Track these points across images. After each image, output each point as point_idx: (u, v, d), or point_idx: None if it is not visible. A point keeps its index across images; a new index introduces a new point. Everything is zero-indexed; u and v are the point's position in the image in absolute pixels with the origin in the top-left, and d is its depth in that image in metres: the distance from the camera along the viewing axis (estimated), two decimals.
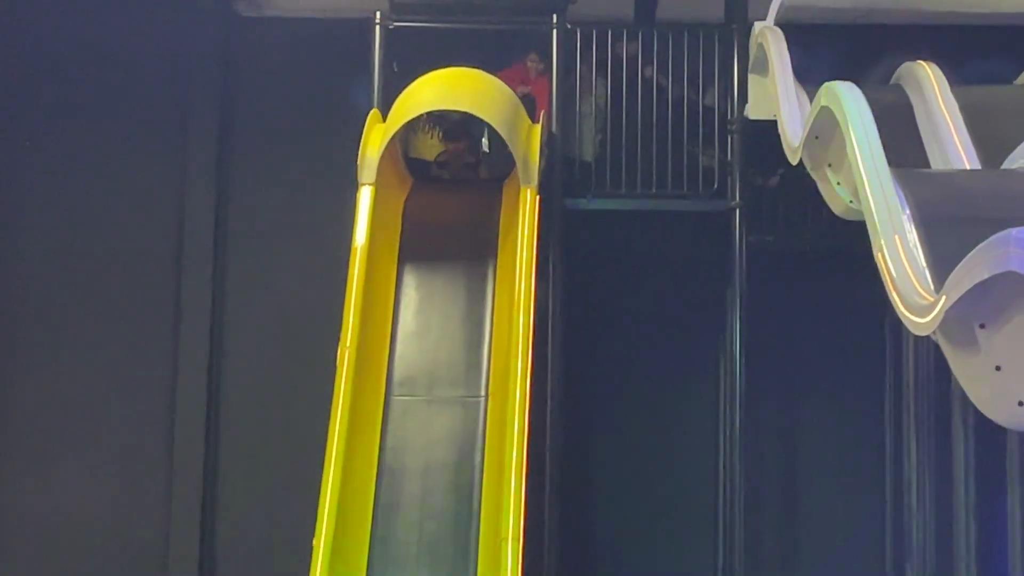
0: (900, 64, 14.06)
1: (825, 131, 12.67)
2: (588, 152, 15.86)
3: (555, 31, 15.54)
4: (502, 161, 15.27)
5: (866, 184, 10.92)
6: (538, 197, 14.66)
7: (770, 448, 16.53)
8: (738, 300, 15.46)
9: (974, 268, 7.90)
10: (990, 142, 12.06)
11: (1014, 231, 7.25)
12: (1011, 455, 11.16)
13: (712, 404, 16.06)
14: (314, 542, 13.04)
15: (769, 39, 14.76)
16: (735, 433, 15.35)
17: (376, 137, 14.71)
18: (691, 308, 16.52)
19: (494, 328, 14.64)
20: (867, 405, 15.57)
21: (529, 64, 15.97)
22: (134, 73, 17.11)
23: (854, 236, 11.97)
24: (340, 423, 13.50)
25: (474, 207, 15.29)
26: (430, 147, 15.53)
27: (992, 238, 7.53)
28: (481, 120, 15.00)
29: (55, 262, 17.11)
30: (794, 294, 16.18)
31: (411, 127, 15.07)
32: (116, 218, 17.11)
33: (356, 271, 14.28)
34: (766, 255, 15.56)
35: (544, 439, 14.86)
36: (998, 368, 8.40)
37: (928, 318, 9.15)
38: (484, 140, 15.51)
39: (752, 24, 15.34)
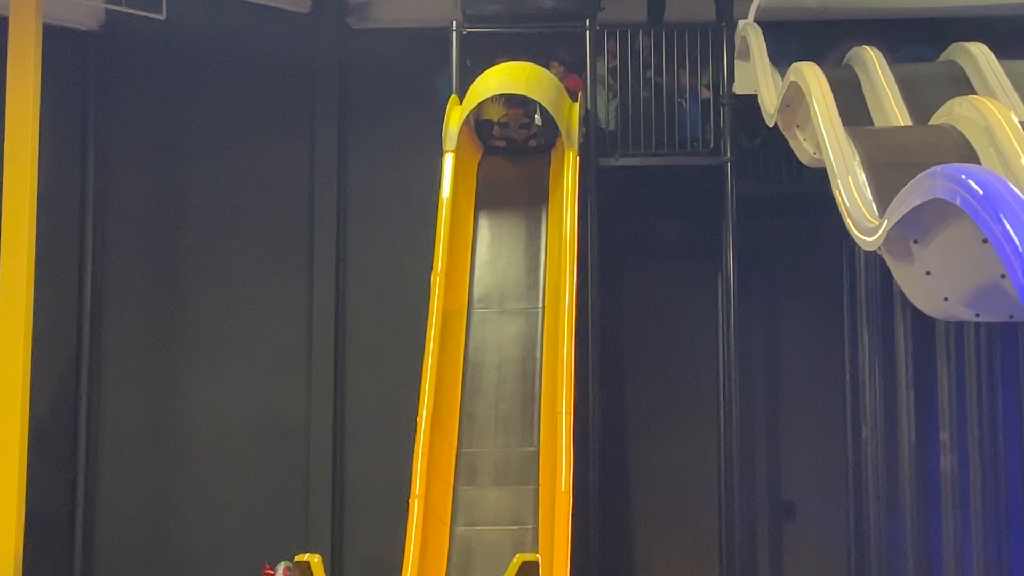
0: (850, 49, 14.07)
1: (794, 100, 12.79)
2: (612, 123, 16.02)
3: (588, 32, 15.79)
4: (550, 132, 15.49)
5: (825, 139, 11.05)
6: (578, 158, 14.87)
7: (757, 346, 16.44)
8: (731, 234, 15.45)
9: (909, 197, 8.03)
10: (918, 106, 12.06)
11: (938, 168, 7.32)
12: (939, 338, 11.21)
13: (712, 312, 15.99)
14: (418, 419, 13.32)
15: (750, 33, 14.91)
16: (730, 334, 15.35)
17: (455, 116, 14.97)
18: (694, 240, 16.52)
19: (547, 257, 14.81)
20: (831, 307, 15.39)
21: (552, 70, 16.05)
22: (272, 77, 17.14)
23: (818, 180, 12.13)
24: (435, 329, 13.72)
25: (530, 166, 15.50)
26: (496, 111, 15.62)
27: (922, 174, 7.62)
28: (534, 102, 15.28)
29: (221, 219, 17.16)
30: (774, 227, 16.16)
31: (483, 105, 15.33)
32: (263, 187, 17.08)
33: (443, 217, 14.51)
34: (752, 198, 15.62)
35: (587, 339, 15.00)
36: (928, 273, 8.55)
37: (874, 237, 9.31)
38: (536, 116, 15.57)
39: (737, 22, 15.53)
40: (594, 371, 15.39)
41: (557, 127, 14.95)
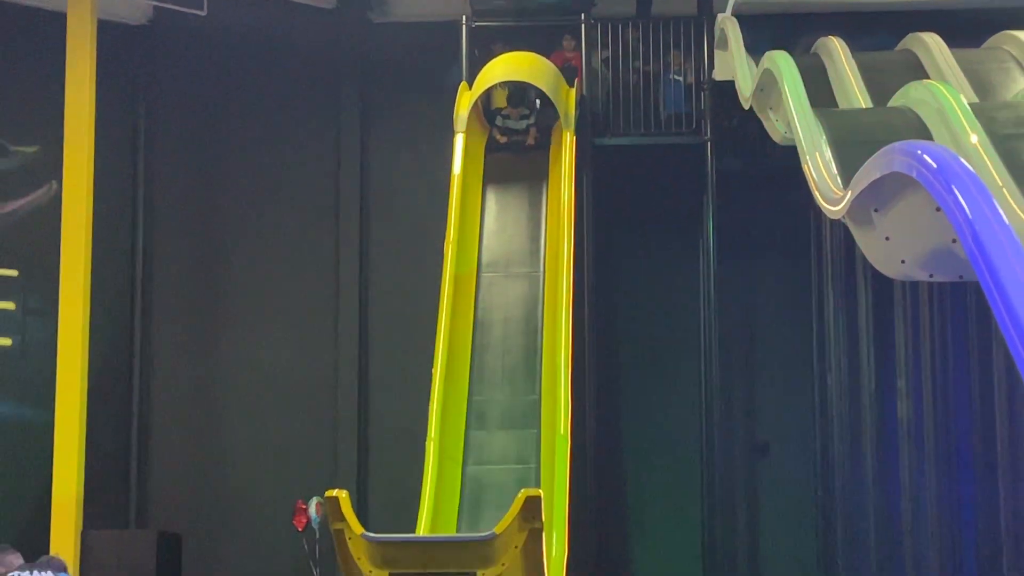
0: (817, 39, 14.06)
1: (767, 85, 12.75)
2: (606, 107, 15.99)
3: (583, 25, 15.75)
4: (550, 115, 15.43)
5: (795, 119, 11.01)
6: (574, 137, 14.86)
7: (735, 304, 16.25)
8: (711, 205, 15.45)
9: (870, 171, 8.00)
10: (878, 89, 12.04)
11: (896, 145, 7.31)
12: (897, 296, 11.26)
13: (695, 275, 15.88)
14: (433, 370, 13.35)
15: (728, 25, 14.80)
16: (711, 293, 15.38)
17: (465, 101, 14.94)
18: (679, 211, 16.32)
19: (547, 226, 14.81)
20: (800, 270, 15.42)
21: (564, 44, 16.03)
22: (301, 65, 17.06)
23: (789, 157, 12.10)
24: (448, 291, 13.73)
25: (532, 145, 15.50)
26: (502, 98, 15.45)
27: (881, 150, 7.59)
28: (535, 88, 15.21)
29: (257, 195, 17.08)
30: (749, 199, 16.01)
31: (490, 90, 15.24)
32: (294, 166, 16.98)
33: (454, 191, 14.51)
34: (729, 173, 15.62)
35: (583, 299, 15.00)
36: (887, 238, 8.52)
37: (839, 207, 9.28)
38: (536, 101, 15.41)
39: (716, 15, 15.44)
40: (590, 327, 15.40)
41: (556, 110, 14.93)
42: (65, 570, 7.24)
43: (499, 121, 15.33)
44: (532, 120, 15.35)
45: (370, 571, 9.03)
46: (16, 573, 7.07)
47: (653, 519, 16.20)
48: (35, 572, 7.11)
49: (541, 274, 14.44)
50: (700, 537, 15.13)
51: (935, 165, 6.46)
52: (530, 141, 15.36)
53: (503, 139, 15.36)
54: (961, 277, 8.73)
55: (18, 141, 15.47)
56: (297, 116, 17.24)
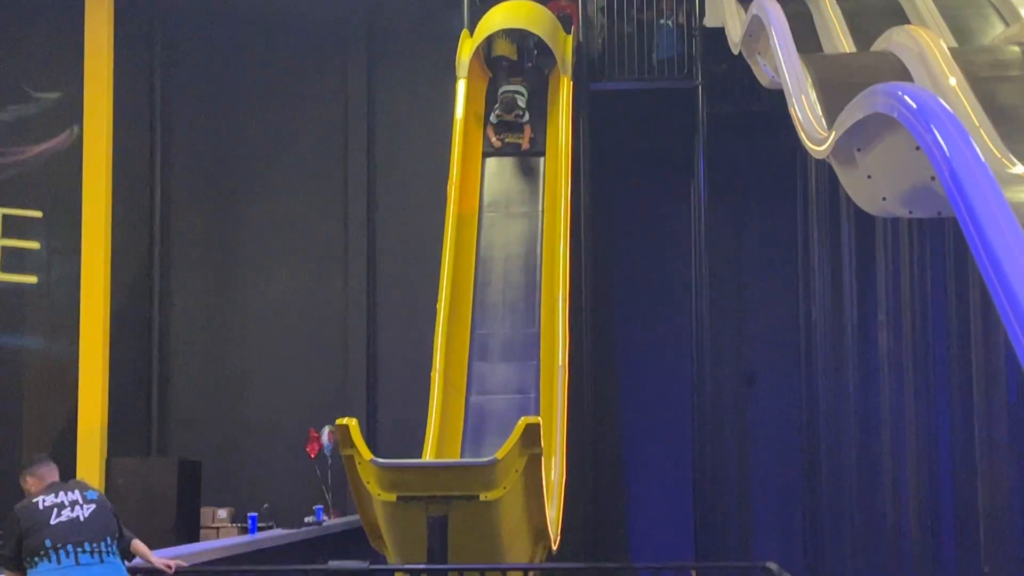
0: None
1: (756, 31, 12.63)
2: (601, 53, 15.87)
3: None
4: (548, 63, 15.33)
5: (782, 63, 10.90)
6: (571, 83, 14.80)
7: (724, 242, 16.25)
8: (701, 146, 15.35)
9: (853, 112, 7.98)
10: (861, 35, 11.94)
11: (879, 86, 7.25)
12: (878, 232, 11.23)
13: (686, 213, 15.85)
14: (437, 305, 13.37)
15: None
16: (701, 231, 15.33)
17: (466, 48, 14.85)
18: (670, 153, 16.23)
19: (546, 167, 14.80)
20: (786, 208, 15.38)
21: None
22: (310, 14, 16.97)
23: (776, 100, 12.05)
24: (451, 230, 13.73)
25: (531, 90, 15.39)
26: (503, 47, 15.29)
27: (864, 92, 7.56)
28: (534, 35, 15.08)
29: (271, 136, 17.06)
30: (738, 141, 15.97)
31: (490, 39, 15.13)
32: (305, 112, 17.01)
33: (456, 133, 14.46)
34: (719, 116, 15.50)
35: (579, 237, 15.00)
36: (869, 177, 8.52)
37: (824, 147, 9.26)
38: (523, 104, 14.65)
39: None
40: (586, 264, 15.41)
41: (554, 56, 14.85)
42: (92, 489, 7.28)
43: (493, 118, 14.70)
44: (525, 117, 14.75)
45: (379, 494, 9.07)
46: (41, 496, 7.11)
47: (646, 446, 16.29)
48: (62, 492, 7.15)
49: (540, 214, 14.42)
50: (691, 463, 15.22)
51: (915, 105, 6.43)
52: (525, 144, 14.76)
53: (498, 142, 14.70)
54: (939, 213, 8.73)
55: (40, 88, 15.42)
56: (307, 63, 17.17)
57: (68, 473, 12.80)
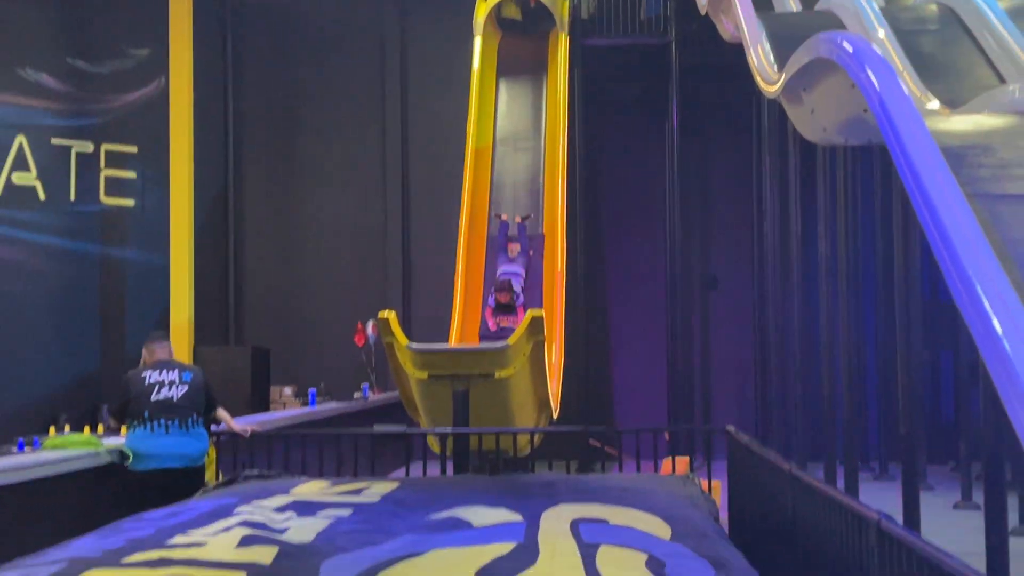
0: None
1: None
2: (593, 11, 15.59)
3: None
4: (549, 22, 15.08)
5: (742, 20, 10.78)
6: (567, 38, 14.59)
7: (693, 169, 16.14)
8: (674, 92, 15.16)
9: (800, 57, 7.90)
10: None
11: (821, 35, 7.21)
12: (819, 158, 11.12)
13: (661, 148, 15.57)
14: (460, 221, 13.34)
15: None
16: (674, 161, 15.15)
17: (482, 10, 14.60)
18: (649, 97, 16.02)
19: (547, 107, 14.65)
20: (744, 141, 15.30)
21: None
22: None
23: (735, 53, 11.88)
24: (470, 160, 13.66)
25: (535, 46, 15.18)
26: (511, 9, 14.98)
27: (808, 40, 7.54)
28: None
29: (322, 83, 16.84)
30: (705, 88, 15.84)
31: (500, 3, 14.84)
32: (349, 62, 16.82)
33: (474, 82, 14.30)
34: (690, 68, 15.34)
35: (575, 167, 14.87)
36: (812, 111, 8.46)
37: (775, 87, 9.17)
38: (518, 288, 11.85)
39: None
40: (580, 188, 15.30)
41: (554, 17, 14.61)
42: (189, 370, 7.29)
43: (492, 301, 11.80)
44: (520, 300, 11.69)
45: (413, 373, 9.10)
46: (149, 372, 7.12)
47: (629, 335, 16.32)
48: (165, 371, 7.17)
49: (542, 148, 14.30)
50: (665, 349, 15.26)
51: (851, 50, 6.36)
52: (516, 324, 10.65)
53: (494, 325, 11.62)
54: (870, 141, 8.66)
55: (133, 45, 15.25)
56: (353, 20, 16.89)
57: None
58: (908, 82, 8.10)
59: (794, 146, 12.35)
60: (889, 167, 10.63)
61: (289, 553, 4.15)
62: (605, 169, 16.52)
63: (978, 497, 9.91)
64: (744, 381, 15.73)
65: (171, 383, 7.06)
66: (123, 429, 7.91)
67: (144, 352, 7.33)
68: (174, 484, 6.71)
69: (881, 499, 7.59)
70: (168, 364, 7.20)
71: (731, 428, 7.61)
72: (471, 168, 13.64)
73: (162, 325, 14.37)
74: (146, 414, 6.90)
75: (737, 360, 15.94)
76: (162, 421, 6.91)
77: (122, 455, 6.93)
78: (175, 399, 7.01)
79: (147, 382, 7.01)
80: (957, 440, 11.94)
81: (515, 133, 14.63)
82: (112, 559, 4.02)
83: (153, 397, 6.95)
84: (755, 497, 6.30)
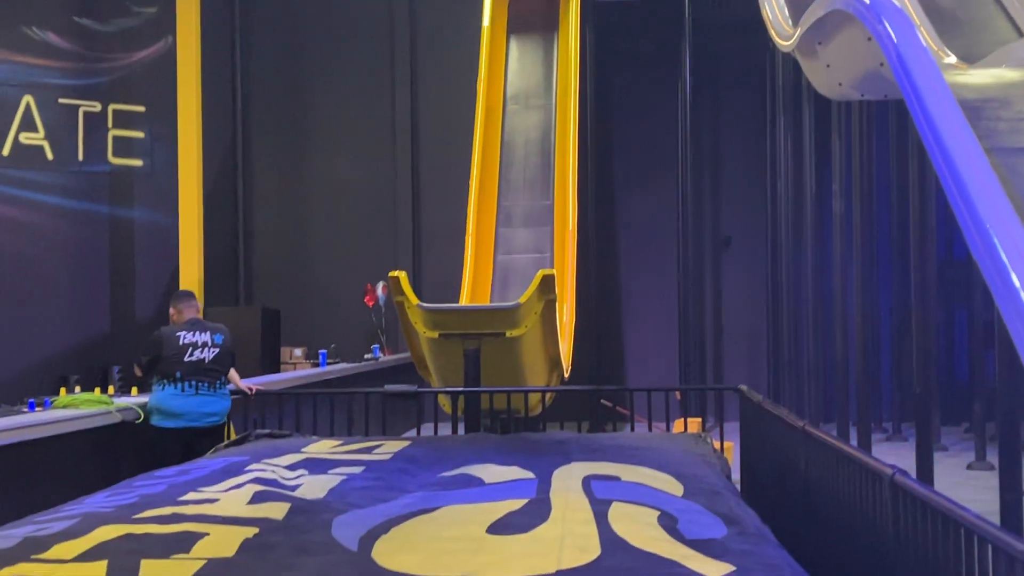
0: None
1: None
2: None
3: None
4: None
5: None
6: None
7: (706, 126, 16.15)
8: (687, 47, 15.05)
9: (815, 10, 7.81)
10: None
11: None
12: (834, 114, 11.06)
13: (674, 105, 15.53)
14: (470, 182, 13.30)
15: None
16: (687, 118, 15.03)
17: None
18: (662, 54, 15.95)
19: (558, 64, 14.54)
20: (758, 97, 15.22)
21: None
22: None
23: (749, 6, 11.78)
24: (481, 119, 13.61)
25: (546, 1, 15.04)
26: None
27: None
28: None
29: (331, 44, 16.74)
30: (719, 43, 15.75)
31: None
32: (358, 24, 16.76)
33: (484, 40, 14.22)
34: (703, 23, 15.21)
35: (586, 125, 14.83)
36: (828, 66, 8.37)
37: (790, 42, 9.09)
38: None
39: None
40: (592, 146, 15.28)
41: None
42: (219, 332, 7.33)
43: None
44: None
45: (424, 332, 9.11)
46: (183, 332, 7.15)
47: (640, 295, 16.28)
48: (198, 332, 7.21)
49: (553, 106, 14.22)
50: (677, 308, 15.24)
51: (868, 2, 6.26)
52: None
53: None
54: (886, 96, 8.59)
55: (140, 3, 15.15)
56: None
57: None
58: (925, 37, 8.00)
59: (809, 102, 12.30)
60: (905, 123, 10.56)
61: (301, 509, 4.17)
62: (617, 126, 16.43)
63: (992, 458, 9.92)
64: (756, 342, 15.72)
65: (203, 344, 7.14)
66: (133, 390, 7.96)
67: (172, 311, 7.37)
68: (197, 441, 6.89)
69: (894, 459, 7.58)
70: (200, 325, 7.26)
71: (743, 387, 7.60)
72: (481, 127, 13.58)
73: (172, 286, 14.36)
74: (178, 375, 6.99)
75: (749, 320, 15.93)
76: (193, 382, 7.03)
77: (135, 414, 6.98)
78: (207, 361, 7.12)
79: (181, 342, 7.08)
80: (971, 401, 11.93)
81: (526, 91, 14.53)
82: (124, 515, 4.05)
83: (186, 358, 7.05)
84: (767, 455, 6.30)
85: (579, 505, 4.17)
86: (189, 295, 7.60)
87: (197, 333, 7.18)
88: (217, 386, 7.17)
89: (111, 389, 8.84)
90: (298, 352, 14.90)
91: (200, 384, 7.06)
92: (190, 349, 7.09)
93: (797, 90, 12.76)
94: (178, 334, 7.13)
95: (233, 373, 7.59)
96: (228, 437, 7.40)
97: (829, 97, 9.31)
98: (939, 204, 9.49)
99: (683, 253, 15.10)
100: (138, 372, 7.23)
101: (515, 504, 4.19)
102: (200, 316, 7.47)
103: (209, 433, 7.03)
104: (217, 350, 7.18)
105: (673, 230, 15.62)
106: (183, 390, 7.00)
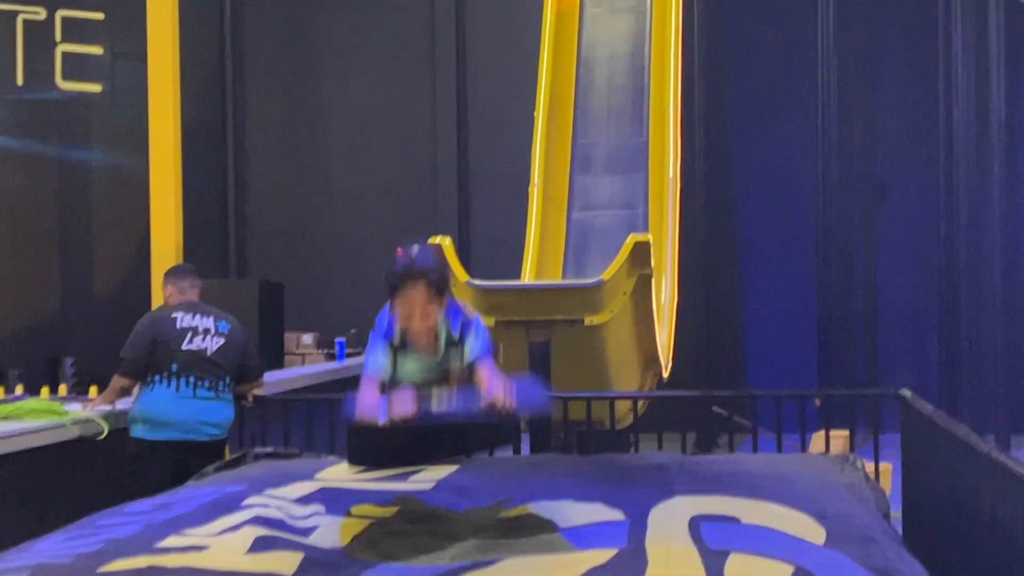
0: None
1: None
2: None
3: None
4: None
5: None
6: None
7: (853, 39, 15.94)
8: None
9: None
10: None
11: None
12: None
13: (812, 7, 15.46)
14: (535, 112, 13.33)
15: None
16: (829, 24, 15.09)
17: None
18: None
19: None
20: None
21: None
22: None
23: None
24: (550, 27, 13.71)
25: None
26: None
27: None
28: None
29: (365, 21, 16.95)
30: None
31: None
32: None
33: None
34: None
35: (692, 34, 14.74)
36: None
37: None
38: None
39: None
40: (700, 65, 15.20)
41: None
42: (226, 320, 7.44)
43: None
44: None
45: None
46: (180, 314, 7.28)
47: (765, 265, 16.21)
48: (199, 316, 7.33)
49: (649, 8, 14.15)
50: (815, 284, 15.16)
51: None
52: None
53: None
54: None
55: None
56: None
57: (141, 298, 13.12)
58: None
59: (997, 2, 12.16)
60: None
61: (316, 561, 4.23)
62: (734, 39, 16.37)
63: None
64: (924, 328, 15.61)
65: (205, 331, 7.29)
66: (91, 390, 8.09)
67: (168, 288, 7.52)
68: (190, 461, 6.90)
69: None
70: (202, 308, 7.40)
71: (906, 392, 7.56)
72: (551, 37, 13.60)
73: (141, 251, 14.54)
74: (174, 367, 7.12)
75: (914, 300, 15.82)
76: (191, 379, 7.16)
77: (98, 427, 7.09)
78: (208, 352, 7.23)
79: (178, 325, 7.20)
80: None
81: None
82: (86, 567, 4.12)
83: (185, 346, 7.17)
84: (940, 485, 6.28)
85: (685, 557, 4.20)
86: (192, 272, 7.74)
87: (198, 316, 7.31)
88: (220, 388, 7.31)
89: (62, 389, 9.01)
90: (307, 339, 15.04)
91: (200, 383, 7.20)
92: (189, 335, 7.21)
93: None
94: (174, 316, 7.27)
95: (252, 382, 7.70)
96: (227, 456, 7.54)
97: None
98: None
99: (824, 208, 15.01)
100: (123, 382, 7.26)
101: (599, 556, 4.23)
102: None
103: (207, 451, 7.10)
104: (222, 340, 7.31)
105: (811, 176, 15.53)
106: (177, 389, 7.14)
